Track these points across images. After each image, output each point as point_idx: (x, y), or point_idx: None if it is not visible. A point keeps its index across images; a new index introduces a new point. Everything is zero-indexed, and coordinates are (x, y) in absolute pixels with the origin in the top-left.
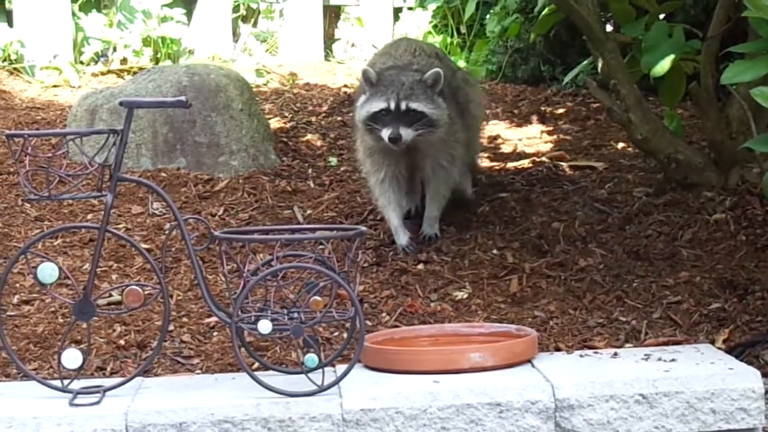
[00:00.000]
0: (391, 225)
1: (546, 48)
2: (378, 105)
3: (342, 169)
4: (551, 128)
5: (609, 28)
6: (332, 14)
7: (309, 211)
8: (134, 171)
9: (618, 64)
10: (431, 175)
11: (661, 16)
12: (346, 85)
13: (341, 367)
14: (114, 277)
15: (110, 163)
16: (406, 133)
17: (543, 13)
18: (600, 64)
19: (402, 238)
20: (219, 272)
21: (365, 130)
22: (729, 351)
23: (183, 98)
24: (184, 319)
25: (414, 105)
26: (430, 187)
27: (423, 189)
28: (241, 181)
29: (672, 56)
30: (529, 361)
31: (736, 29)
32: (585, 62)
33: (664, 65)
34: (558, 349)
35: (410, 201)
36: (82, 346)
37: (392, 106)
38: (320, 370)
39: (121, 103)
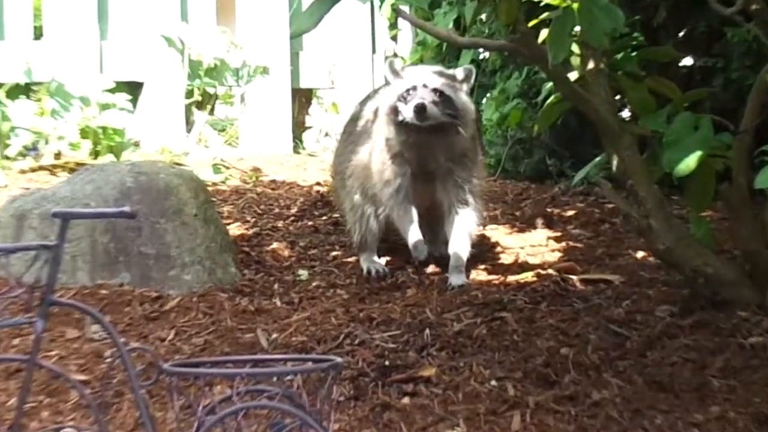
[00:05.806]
0: (408, 238)
1: (552, 139)
2: None
3: (314, 284)
4: (559, 234)
5: (626, 113)
6: (303, 99)
7: (275, 335)
8: (69, 287)
9: (636, 162)
10: (452, 210)
11: (686, 106)
12: (318, 183)
13: None
14: (45, 414)
15: (41, 283)
16: None
17: (548, 101)
18: (615, 161)
19: (421, 252)
20: (168, 407)
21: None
22: None
23: (126, 208)
24: None
25: None
26: (454, 226)
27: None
28: (195, 299)
29: (699, 153)
30: None
31: None
32: (597, 159)
33: (689, 163)
34: None
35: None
36: None
37: None
38: None
39: (54, 215)
